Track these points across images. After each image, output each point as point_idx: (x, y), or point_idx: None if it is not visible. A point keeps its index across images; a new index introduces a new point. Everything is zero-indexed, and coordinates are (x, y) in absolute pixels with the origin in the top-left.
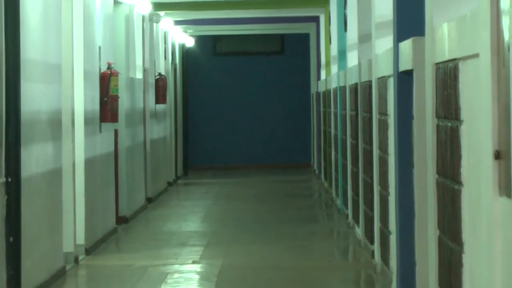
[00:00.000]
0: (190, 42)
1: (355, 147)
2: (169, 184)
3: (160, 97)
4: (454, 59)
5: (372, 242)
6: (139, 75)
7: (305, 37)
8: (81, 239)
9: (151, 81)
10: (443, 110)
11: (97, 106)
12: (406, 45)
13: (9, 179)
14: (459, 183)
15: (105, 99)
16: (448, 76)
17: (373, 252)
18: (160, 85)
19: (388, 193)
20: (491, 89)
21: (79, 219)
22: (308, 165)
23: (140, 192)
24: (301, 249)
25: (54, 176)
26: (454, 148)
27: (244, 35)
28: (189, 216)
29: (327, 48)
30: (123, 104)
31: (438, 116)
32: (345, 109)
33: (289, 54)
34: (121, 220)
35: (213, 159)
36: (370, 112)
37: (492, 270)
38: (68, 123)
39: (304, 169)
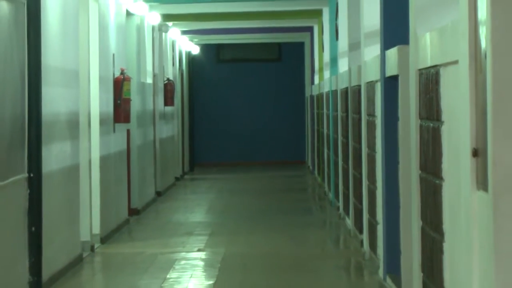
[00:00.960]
0: (195, 50)
1: (345, 146)
2: (177, 179)
3: (168, 100)
4: (435, 66)
5: (361, 231)
6: (149, 80)
7: (300, 46)
8: (96, 229)
9: (160, 85)
10: (425, 111)
11: (111, 108)
12: (392, 53)
13: (31, 175)
14: (440, 178)
15: (119, 101)
16: (430, 81)
17: (362, 241)
18: (168, 89)
19: (375, 187)
20: (469, 93)
21: (95, 211)
22: (303, 162)
23: (150, 186)
24: (297, 238)
25: (72, 172)
26: (436, 147)
27: (245, 43)
28: (195, 208)
29: (320, 55)
30: (135, 106)
31: (421, 117)
32: (336, 110)
33: (285, 61)
34: (133, 212)
35: (217, 156)
36: (359, 113)
37: (470, 257)
38: (84, 123)
39: (299, 166)
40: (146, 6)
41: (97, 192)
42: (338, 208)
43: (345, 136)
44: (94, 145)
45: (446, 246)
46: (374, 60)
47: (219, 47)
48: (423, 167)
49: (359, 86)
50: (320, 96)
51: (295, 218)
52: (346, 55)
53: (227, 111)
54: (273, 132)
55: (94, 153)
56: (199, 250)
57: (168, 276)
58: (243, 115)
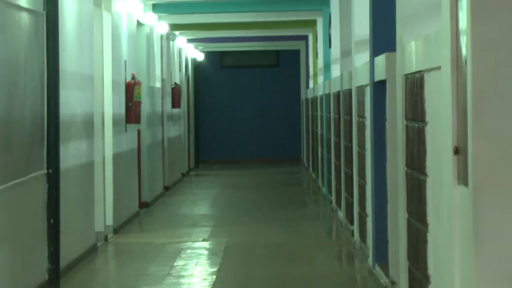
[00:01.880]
0: (200, 57)
1: (338, 144)
2: (183, 175)
3: (175, 103)
4: (420, 71)
5: (352, 223)
6: (158, 84)
7: (296, 53)
8: (109, 221)
9: (168, 89)
10: (411, 113)
11: (123, 110)
12: (380, 59)
13: (50, 171)
14: (424, 174)
15: (130, 104)
16: (415, 85)
17: (352, 231)
18: (175, 92)
19: (365, 182)
20: (451, 96)
21: (108, 204)
22: (299, 159)
23: (159, 182)
24: (293, 229)
25: (87, 168)
26: (420, 145)
27: (245, 51)
28: (200, 202)
29: (315, 61)
30: (145, 108)
31: (407, 118)
32: (329, 112)
33: (282, 67)
34: (143, 204)
35: (220, 154)
36: (351, 115)
37: (452, 246)
38: (99, 124)
39: (295, 163)
40: (155, 16)
41: (110, 187)
42: (331, 201)
43: (337, 135)
44: (108, 143)
45: (430, 236)
46: (364, 66)
47: (222, 54)
48: (409, 164)
49: (350, 90)
50: (314, 99)
51: (291, 210)
52: (338, 62)
53: (229, 113)
54: (271, 132)
55: (107, 151)
56: (203, 240)
57: (175, 264)
58: (244, 116)
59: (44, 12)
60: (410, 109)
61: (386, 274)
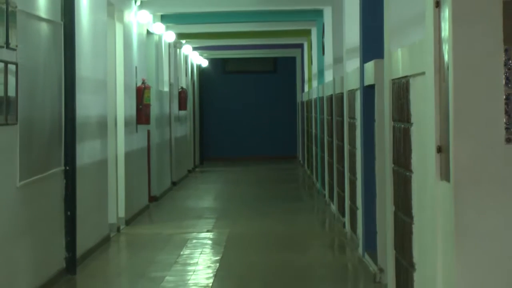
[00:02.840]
0: (205, 63)
1: (330, 143)
2: (189, 171)
3: (182, 105)
4: (406, 76)
5: (343, 215)
6: (166, 88)
7: (292, 60)
8: (122, 213)
9: (175, 93)
10: (397, 115)
11: (134, 112)
12: (369, 66)
13: (67, 168)
14: (410, 170)
15: (140, 106)
16: (401, 89)
17: (344, 223)
18: (182, 96)
19: (355, 178)
20: (434, 99)
21: (120, 197)
22: (295, 157)
23: (167, 177)
24: (289, 220)
25: (101, 165)
26: (406, 144)
27: (246, 58)
28: (204, 196)
29: (309, 67)
30: (154, 110)
31: (394, 120)
32: (323, 114)
33: (280, 73)
34: (152, 198)
35: (223, 152)
36: (342, 116)
37: (435, 237)
38: (112, 124)
39: (292, 160)
40: (163, 26)
41: (122, 182)
42: (324, 195)
43: (330, 135)
44: (120, 143)
45: (414, 227)
46: (354, 72)
47: (225, 60)
48: (396, 161)
49: (342, 93)
50: (309, 102)
51: (288, 203)
52: (331, 68)
53: (231, 114)
54: (269, 132)
55: (119, 149)
56: (207, 231)
57: (181, 252)
58: (245, 118)
59: (62, 22)
60: (397, 111)
61: (375, 262)
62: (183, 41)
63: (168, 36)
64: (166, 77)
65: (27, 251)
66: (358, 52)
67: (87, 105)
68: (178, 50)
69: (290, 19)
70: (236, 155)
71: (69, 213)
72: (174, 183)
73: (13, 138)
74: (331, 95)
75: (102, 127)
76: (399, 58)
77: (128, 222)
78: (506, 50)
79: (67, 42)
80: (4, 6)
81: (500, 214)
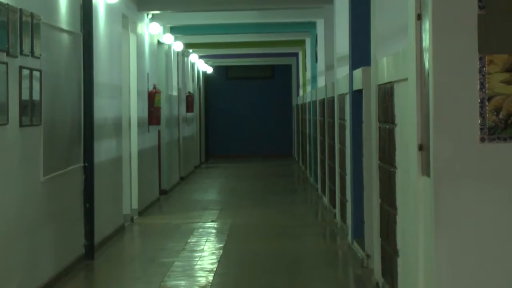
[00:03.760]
0: (209, 70)
1: (323, 142)
2: (196, 167)
3: (189, 108)
4: (390, 82)
5: (334, 207)
6: (175, 92)
7: (288, 67)
8: (135, 205)
9: (183, 97)
10: (383, 116)
11: (146, 114)
12: (358, 72)
13: (86, 164)
14: (394, 166)
15: (151, 109)
16: (386, 93)
17: (335, 214)
18: (189, 99)
19: (345, 173)
20: (416, 102)
21: (134, 191)
22: (290, 155)
23: (176, 173)
24: (286, 212)
25: (116, 162)
26: (391, 143)
27: (247, 65)
28: (209, 189)
29: (304, 74)
30: (164, 112)
31: (379, 121)
32: (316, 116)
33: (277, 78)
34: (162, 192)
35: (226, 150)
36: (333, 118)
37: (416, 226)
38: (126, 125)
39: (288, 157)
40: (172, 37)
41: (135, 177)
42: (317, 189)
43: (323, 135)
44: (133, 141)
45: (398, 218)
46: (344, 78)
47: (228, 68)
48: (381, 158)
49: (333, 97)
50: (303, 105)
51: (284, 196)
52: (323, 74)
53: (233, 116)
54: (268, 132)
55: (133, 147)
56: (212, 221)
57: (189, 240)
58: (245, 119)
59: (81, 33)
60: (382, 113)
61: (362, 248)
62: (190, 50)
63: (177, 45)
64: (175, 83)
65: (50, 238)
66: (348, 60)
67: (103, 108)
68: (185, 58)
69: (286, 30)
70: (238, 153)
71: (87, 205)
72: (182, 178)
73: (37, 138)
74: (323, 98)
75: (117, 127)
76: (384, 66)
77: (140, 213)
78: (480, 59)
79: (86, 51)
80: (29, 19)
81: (475, 206)
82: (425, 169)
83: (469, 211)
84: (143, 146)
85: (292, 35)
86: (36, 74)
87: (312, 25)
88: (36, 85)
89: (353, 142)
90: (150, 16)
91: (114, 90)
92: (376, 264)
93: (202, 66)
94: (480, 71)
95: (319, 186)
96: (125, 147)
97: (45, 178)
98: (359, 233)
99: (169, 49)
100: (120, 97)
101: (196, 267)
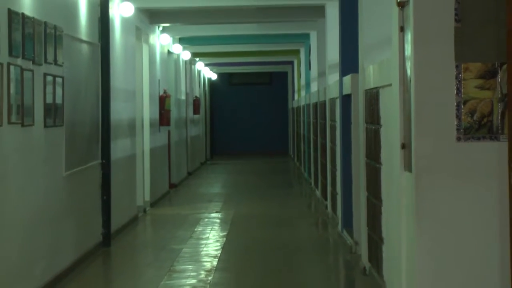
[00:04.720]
0: (214, 77)
1: (315, 141)
2: (202, 163)
3: (196, 110)
4: (376, 87)
5: (326, 199)
6: (183, 96)
7: (285, 74)
8: (147, 197)
9: (191, 100)
10: (369, 118)
11: (157, 116)
12: (347, 79)
13: (103, 161)
14: (380, 163)
15: (162, 111)
16: (372, 97)
17: (326, 205)
18: (196, 103)
19: (336, 169)
20: (399, 106)
21: (146, 185)
22: (287, 153)
23: (184, 168)
24: (282, 203)
25: (131, 159)
26: (376, 142)
27: (247, 72)
28: (214, 184)
29: (298, 80)
30: (173, 114)
31: (366, 122)
32: (309, 118)
33: (275, 84)
34: (172, 186)
35: (229, 148)
36: (325, 119)
37: (399, 217)
38: (139, 126)
39: (284, 155)
40: (180, 47)
41: (148, 172)
42: (310, 183)
43: (315, 135)
44: (146, 140)
45: (383, 209)
46: (335, 84)
47: (230, 75)
48: (368, 155)
49: (325, 101)
50: (298, 108)
51: (281, 190)
52: (316, 80)
53: (236, 118)
54: (267, 132)
55: (145, 146)
56: (216, 212)
57: (195, 229)
58: (246, 120)
59: (99, 44)
60: (369, 115)
61: (351, 236)
62: (197, 59)
63: (185, 54)
64: (183, 88)
65: (71, 227)
66: (338, 68)
67: (119, 110)
68: (192, 66)
69: (283, 41)
70: (239, 150)
71: (105, 197)
72: (189, 173)
73: (60, 137)
74: (316, 102)
75: (132, 128)
76: (371, 73)
77: (152, 204)
78: (457, 66)
79: (103, 59)
80: (53, 31)
81: (452, 198)
82: (407, 165)
83: (446, 203)
84: (154, 145)
85: (288, 45)
86: (58, 80)
87: (306, 36)
88: (58, 90)
89: (343, 141)
90: (161, 28)
91: (128, 94)
92: (363, 251)
93: (208, 73)
94: (456, 78)
95: (312, 180)
96: (139, 145)
97: (67, 174)
98: (348, 223)
99: (178, 58)
100: (134, 100)
101: (202, 253)
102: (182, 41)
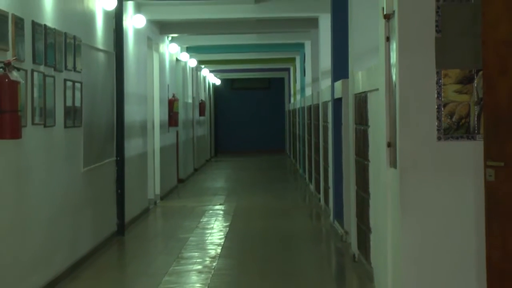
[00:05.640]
0: (218, 82)
1: (309, 141)
2: (207, 160)
3: (201, 112)
4: (365, 91)
5: (319, 193)
6: (190, 100)
7: (282, 79)
8: (158, 191)
9: (197, 103)
10: (358, 119)
11: (166, 117)
12: (338, 84)
13: (118, 158)
14: (368, 160)
15: (171, 113)
16: (361, 101)
17: (319, 198)
18: (201, 106)
19: (328, 166)
20: (385, 108)
21: (157, 180)
22: (283, 151)
23: (191, 165)
24: (279, 196)
25: (142, 157)
26: (365, 141)
27: (248, 78)
28: (218, 179)
29: (294, 85)
30: (181, 116)
31: (356, 123)
32: (304, 119)
33: (273, 89)
34: (180, 180)
35: (231, 146)
36: (318, 121)
37: (386, 209)
38: (150, 127)
39: (281, 153)
40: (187, 55)
41: (158, 169)
42: (305, 178)
43: (310, 134)
44: (156, 140)
45: (371, 202)
46: (327, 88)
47: (233, 80)
48: (357, 153)
49: (318, 104)
50: (294, 110)
51: (278, 184)
52: (310, 85)
53: (237, 119)
54: (265, 132)
55: (156, 145)
56: (220, 204)
57: (201, 220)
58: (247, 122)
59: (114, 52)
60: (358, 117)
61: (342, 226)
62: (202, 66)
63: (192, 62)
64: (190, 92)
65: (89, 218)
66: (330, 74)
67: (132, 113)
68: (198, 72)
69: (280, 50)
70: (241, 149)
71: (119, 191)
72: (195, 169)
73: (78, 137)
74: (310, 105)
75: (143, 128)
76: (360, 78)
77: (162, 197)
78: (437, 73)
79: (118, 66)
80: (72, 41)
81: (433, 191)
82: (393, 162)
83: (428, 196)
84: (164, 144)
85: (285, 54)
86: (77, 85)
87: (301, 45)
88: (77, 94)
89: (334, 140)
90: (170, 38)
91: (140, 98)
92: (353, 239)
93: (212, 79)
94: (437, 83)
95: (306, 176)
96: (150, 144)
97: (85, 170)
98: (339, 214)
99: (185, 65)
100: (145, 103)
101: (207, 241)
102: (189, 50)
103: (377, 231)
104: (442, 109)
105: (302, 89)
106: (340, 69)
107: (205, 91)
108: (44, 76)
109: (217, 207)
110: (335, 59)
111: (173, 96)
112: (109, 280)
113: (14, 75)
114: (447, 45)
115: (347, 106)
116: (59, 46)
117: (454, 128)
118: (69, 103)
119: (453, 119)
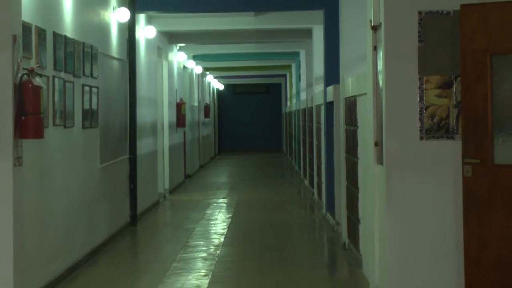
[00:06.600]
0: (221, 87)
1: (304, 140)
2: (211, 158)
3: (206, 115)
4: (354, 96)
5: (313, 187)
6: (196, 103)
7: (279, 85)
8: (167, 186)
9: (202, 106)
10: (348, 121)
11: (174, 119)
12: (330, 89)
13: (131, 156)
14: (357, 157)
15: (179, 115)
16: (351, 104)
17: (313, 192)
18: (206, 108)
19: (321, 163)
20: (373, 111)
21: (166, 175)
22: (281, 149)
23: (197, 162)
24: (276, 191)
25: (153, 155)
26: (354, 140)
27: (249, 83)
28: (221, 174)
29: (290, 90)
30: (188, 118)
31: (346, 124)
32: (299, 120)
33: (271, 93)
34: (187, 176)
35: (233, 146)
36: (312, 122)
37: (373, 202)
38: (160, 127)
39: (279, 151)
40: (194, 62)
41: (167, 165)
42: (300, 174)
43: (304, 134)
44: (165, 139)
45: (360, 196)
46: (320, 93)
47: (235, 85)
48: (347, 151)
49: (312, 107)
50: (290, 113)
51: (276, 180)
52: (305, 90)
53: (239, 120)
54: (264, 132)
55: (165, 144)
56: (223, 198)
57: (206, 212)
58: (248, 123)
59: (127, 60)
60: (348, 118)
61: (333, 218)
62: (207, 72)
63: (197, 69)
64: (196, 96)
65: (105, 210)
66: (323, 80)
67: (143, 115)
68: (204, 78)
69: (277, 58)
70: (242, 148)
71: (132, 185)
72: (201, 166)
73: (95, 136)
74: (305, 108)
75: (154, 129)
76: (350, 84)
77: (171, 191)
78: (420, 79)
79: (131, 73)
80: (89, 49)
81: (416, 186)
82: (379, 160)
83: (411, 190)
84: (172, 143)
85: (282, 61)
86: (94, 90)
87: (296, 54)
88: (94, 98)
89: (327, 140)
90: (178, 47)
91: (151, 101)
92: (344, 229)
93: (216, 84)
94: (419, 88)
95: (301, 172)
96: (160, 143)
97: (101, 166)
98: (331, 206)
99: (192, 72)
100: (156, 106)
101: (211, 231)
102: (195, 58)
103: (365, 222)
104: (424, 111)
105: (298, 93)
106: (332, 75)
107: (209, 95)
108: (64, 81)
109: (221, 200)
110: (327, 66)
111: (181, 99)
112: (123, 266)
113: (37, 80)
114: (429, 54)
115: (338, 108)
116: (77, 55)
117: (435, 129)
118: (86, 106)
119: (434, 121)
